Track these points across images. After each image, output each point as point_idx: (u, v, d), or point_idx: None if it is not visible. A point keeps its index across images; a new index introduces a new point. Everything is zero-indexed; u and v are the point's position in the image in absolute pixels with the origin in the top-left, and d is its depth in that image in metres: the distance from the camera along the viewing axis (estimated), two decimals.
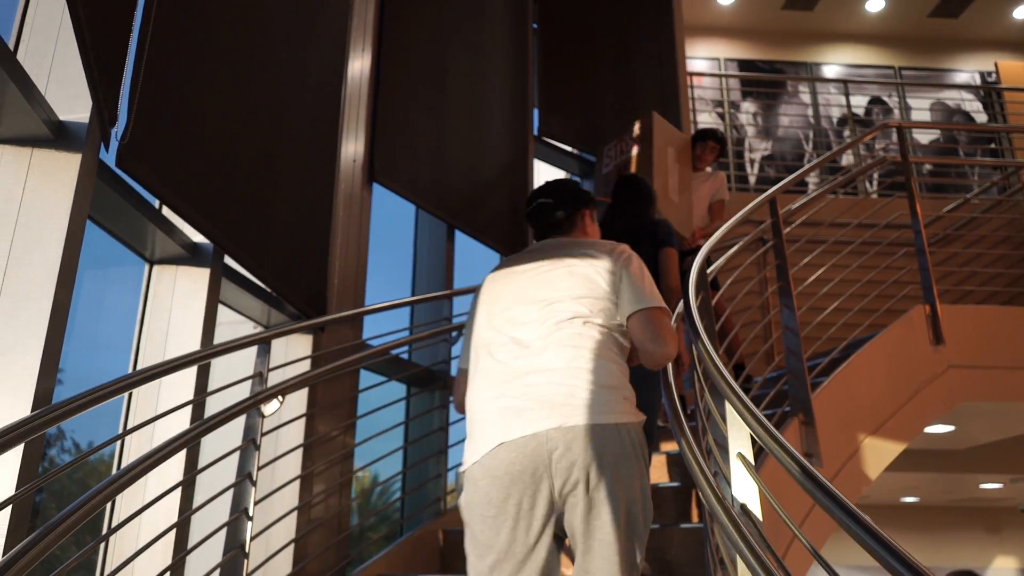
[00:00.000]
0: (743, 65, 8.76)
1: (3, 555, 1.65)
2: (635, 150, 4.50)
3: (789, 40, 8.86)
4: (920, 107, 8.77)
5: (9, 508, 1.64)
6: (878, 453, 3.59)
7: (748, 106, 8.65)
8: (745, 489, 1.86)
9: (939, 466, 6.57)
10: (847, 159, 8.19)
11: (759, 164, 8.41)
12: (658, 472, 3.69)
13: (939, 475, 7.02)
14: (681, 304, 2.54)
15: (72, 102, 2.00)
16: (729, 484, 1.88)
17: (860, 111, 8.73)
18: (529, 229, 4.46)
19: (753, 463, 1.87)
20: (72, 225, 1.89)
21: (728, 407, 1.92)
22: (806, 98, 8.64)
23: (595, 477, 1.72)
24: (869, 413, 3.65)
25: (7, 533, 1.66)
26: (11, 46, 2.06)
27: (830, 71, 8.85)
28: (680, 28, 6.52)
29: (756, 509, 1.83)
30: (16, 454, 1.69)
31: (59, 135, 1.96)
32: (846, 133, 8.43)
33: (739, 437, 1.92)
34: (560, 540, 1.83)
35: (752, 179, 8.25)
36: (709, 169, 4.79)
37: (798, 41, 8.89)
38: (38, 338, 1.80)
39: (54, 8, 2.08)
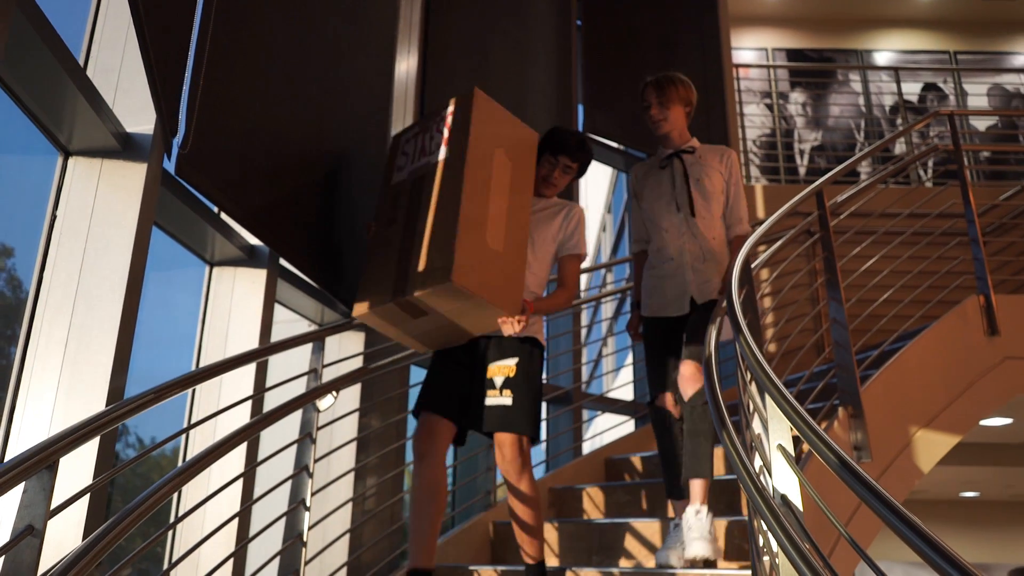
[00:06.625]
0: (791, 54, 8.65)
1: (83, 541, 1.77)
2: (443, 152, 2.55)
3: (838, 27, 8.71)
4: (977, 92, 8.53)
5: (87, 496, 1.76)
6: (931, 446, 3.55)
7: (797, 96, 8.53)
8: (786, 480, 1.89)
9: (998, 460, 6.43)
10: (900, 148, 8.03)
11: (809, 155, 8.30)
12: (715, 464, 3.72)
13: (998, 469, 6.87)
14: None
15: (137, 115, 2.12)
16: (771, 476, 1.91)
17: (914, 98, 8.55)
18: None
19: (794, 455, 1.89)
20: (139, 231, 2.02)
21: (768, 399, 1.95)
22: (857, 86, 8.49)
23: None
24: (921, 406, 3.61)
25: (86, 519, 1.78)
26: (81, 62, 2.19)
27: (882, 58, 8.67)
28: (725, 19, 6.48)
29: (797, 500, 1.86)
30: (92, 446, 1.81)
31: (126, 146, 2.08)
32: (899, 121, 8.26)
33: (779, 429, 1.95)
34: None
35: (802, 170, 8.15)
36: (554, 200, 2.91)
37: (848, 28, 8.73)
38: (111, 338, 1.92)
39: (120, 24, 2.20)
